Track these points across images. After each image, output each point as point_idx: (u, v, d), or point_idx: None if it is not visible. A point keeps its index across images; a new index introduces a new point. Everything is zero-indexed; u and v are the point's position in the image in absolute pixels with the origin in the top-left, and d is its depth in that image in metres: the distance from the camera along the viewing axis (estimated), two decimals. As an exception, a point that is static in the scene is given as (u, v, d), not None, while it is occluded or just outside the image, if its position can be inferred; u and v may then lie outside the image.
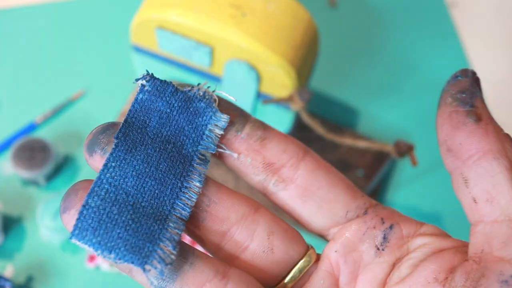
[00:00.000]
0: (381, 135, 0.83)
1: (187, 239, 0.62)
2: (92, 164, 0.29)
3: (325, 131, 0.64)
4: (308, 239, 0.35)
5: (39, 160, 0.72)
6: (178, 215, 0.29)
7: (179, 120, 0.32)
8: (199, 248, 0.31)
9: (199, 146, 0.32)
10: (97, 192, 0.28)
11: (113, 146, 0.29)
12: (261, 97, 0.68)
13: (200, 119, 0.32)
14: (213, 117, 0.32)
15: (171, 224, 0.29)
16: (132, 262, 0.27)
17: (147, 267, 0.27)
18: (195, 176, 0.31)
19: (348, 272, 0.31)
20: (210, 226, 0.31)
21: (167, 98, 0.32)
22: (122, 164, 0.29)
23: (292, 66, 0.62)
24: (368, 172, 0.78)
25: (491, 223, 0.28)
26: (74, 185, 0.29)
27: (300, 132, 0.79)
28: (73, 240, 0.27)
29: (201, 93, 0.33)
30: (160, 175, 0.30)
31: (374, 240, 0.31)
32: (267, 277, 0.31)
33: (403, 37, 0.91)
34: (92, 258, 0.72)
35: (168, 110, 0.32)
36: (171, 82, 0.32)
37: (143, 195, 0.29)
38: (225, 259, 0.31)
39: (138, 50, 0.69)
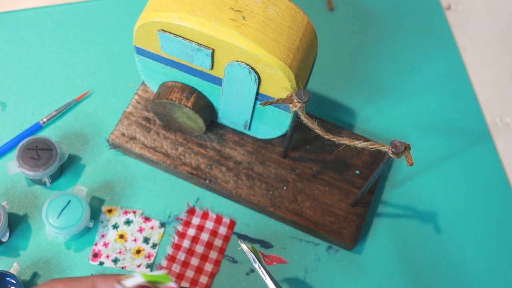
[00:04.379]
0: (378, 135, 0.84)
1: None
2: None
3: (323, 132, 0.65)
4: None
5: (44, 160, 0.73)
6: None
7: None
8: None
9: None
10: None
11: None
12: (261, 98, 0.69)
13: None
14: None
15: None
16: None
17: None
18: None
19: None
20: None
21: None
22: None
23: (291, 68, 0.64)
24: (365, 172, 0.79)
25: None
26: None
27: (298, 132, 0.80)
28: None
29: None
30: None
31: None
32: None
33: (400, 40, 0.92)
34: (96, 256, 0.74)
35: None
36: None
37: None
38: None
39: (141, 52, 0.71)
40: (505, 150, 0.85)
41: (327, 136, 0.64)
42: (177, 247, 0.75)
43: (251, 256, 0.65)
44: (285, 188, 0.77)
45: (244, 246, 0.65)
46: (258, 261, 0.65)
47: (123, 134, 0.79)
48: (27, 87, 0.83)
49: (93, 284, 0.51)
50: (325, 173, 0.79)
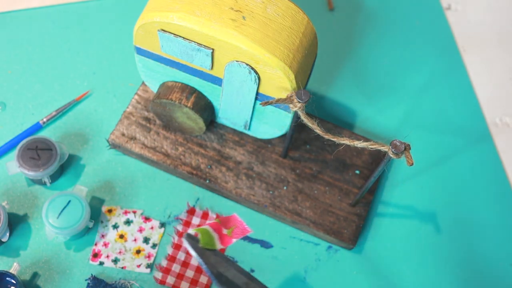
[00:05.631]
0: (378, 135, 0.84)
1: None
2: None
3: (323, 132, 0.65)
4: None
5: (44, 160, 0.73)
6: None
7: None
8: None
9: None
10: None
11: None
12: (261, 98, 0.69)
13: None
14: None
15: None
16: None
17: None
18: None
19: None
20: None
21: None
22: None
23: (291, 68, 0.64)
24: (365, 172, 0.79)
25: None
26: None
27: (298, 132, 0.80)
28: None
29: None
30: None
31: None
32: None
33: (400, 40, 0.92)
34: (96, 256, 0.74)
35: None
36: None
37: None
38: None
39: (141, 52, 0.71)
40: (505, 150, 0.85)
41: (327, 136, 0.65)
42: (177, 247, 0.75)
43: (191, 250, 0.53)
44: (285, 188, 0.77)
45: (185, 242, 0.53)
46: (210, 248, 0.53)
47: (123, 134, 0.79)
48: (27, 87, 0.83)
49: None
50: (325, 173, 0.79)
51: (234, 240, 0.53)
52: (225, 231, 0.53)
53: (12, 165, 0.74)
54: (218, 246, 0.52)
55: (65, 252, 0.74)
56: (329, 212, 0.76)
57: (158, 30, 0.65)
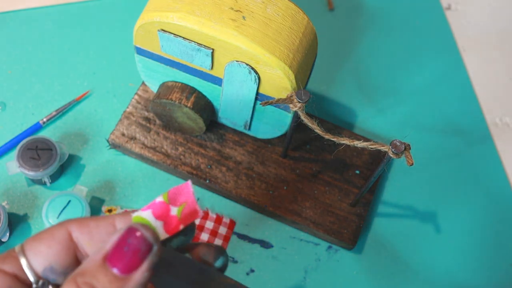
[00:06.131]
0: (378, 135, 0.84)
1: None
2: None
3: (323, 132, 0.65)
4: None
5: (44, 160, 0.73)
6: None
7: None
8: None
9: None
10: None
11: None
12: (261, 98, 0.69)
13: None
14: None
15: None
16: None
17: None
18: None
19: None
20: None
21: None
22: None
23: (291, 68, 0.64)
24: (365, 172, 0.79)
25: None
26: None
27: (298, 132, 0.80)
28: None
29: None
30: None
31: None
32: None
33: (400, 40, 0.92)
34: (96, 256, 0.74)
35: None
36: None
37: None
38: None
39: (141, 52, 0.71)
40: (505, 150, 0.85)
41: (327, 136, 0.65)
42: (177, 247, 0.75)
43: None
44: (285, 188, 0.77)
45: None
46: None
47: (123, 134, 0.79)
48: (27, 87, 0.83)
49: (112, 222, 0.42)
50: (325, 173, 0.79)
51: (181, 226, 0.41)
52: (174, 211, 0.41)
53: (12, 165, 0.74)
54: (162, 235, 0.41)
55: (65, 252, 0.74)
56: (329, 212, 0.76)
57: (158, 30, 0.65)
